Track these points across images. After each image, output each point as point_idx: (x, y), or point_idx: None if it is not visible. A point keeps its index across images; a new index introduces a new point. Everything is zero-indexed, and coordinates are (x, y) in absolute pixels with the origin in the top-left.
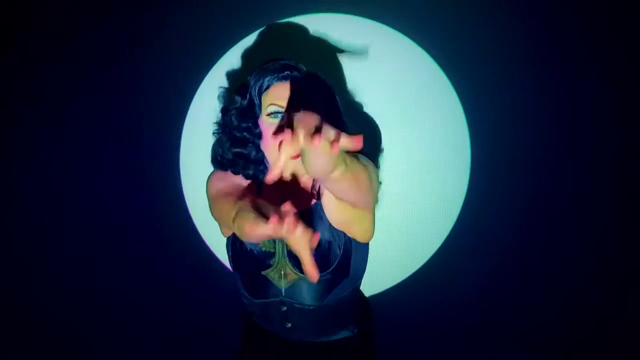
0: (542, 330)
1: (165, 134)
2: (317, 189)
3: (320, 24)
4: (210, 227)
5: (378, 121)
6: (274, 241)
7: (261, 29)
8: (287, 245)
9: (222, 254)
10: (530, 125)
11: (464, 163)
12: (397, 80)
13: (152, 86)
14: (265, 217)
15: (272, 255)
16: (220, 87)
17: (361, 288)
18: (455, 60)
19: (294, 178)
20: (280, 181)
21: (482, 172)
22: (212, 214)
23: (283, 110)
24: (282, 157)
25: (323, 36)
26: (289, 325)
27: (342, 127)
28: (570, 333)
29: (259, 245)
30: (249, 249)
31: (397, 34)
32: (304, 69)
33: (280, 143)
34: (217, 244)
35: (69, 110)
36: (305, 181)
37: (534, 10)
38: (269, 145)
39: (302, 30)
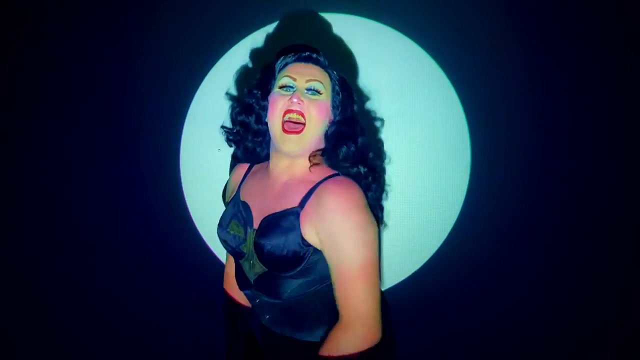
0: (542, 330)
1: (165, 134)
2: (302, 195)
3: (321, 24)
4: (210, 226)
5: (377, 121)
6: (245, 227)
7: (261, 29)
8: (254, 236)
9: (221, 253)
10: (530, 125)
11: (464, 163)
12: (397, 80)
13: (153, 86)
14: None
15: (243, 241)
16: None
17: None
18: (455, 60)
19: (283, 180)
20: (268, 180)
21: (482, 172)
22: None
23: (295, 84)
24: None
25: (323, 36)
26: (267, 317)
27: (352, 117)
28: (571, 335)
29: (229, 230)
30: (229, 233)
31: (397, 34)
32: (326, 62)
33: (285, 113)
34: (216, 243)
35: (69, 111)
36: (292, 185)
37: (535, 11)
38: (272, 116)
39: (302, 30)
